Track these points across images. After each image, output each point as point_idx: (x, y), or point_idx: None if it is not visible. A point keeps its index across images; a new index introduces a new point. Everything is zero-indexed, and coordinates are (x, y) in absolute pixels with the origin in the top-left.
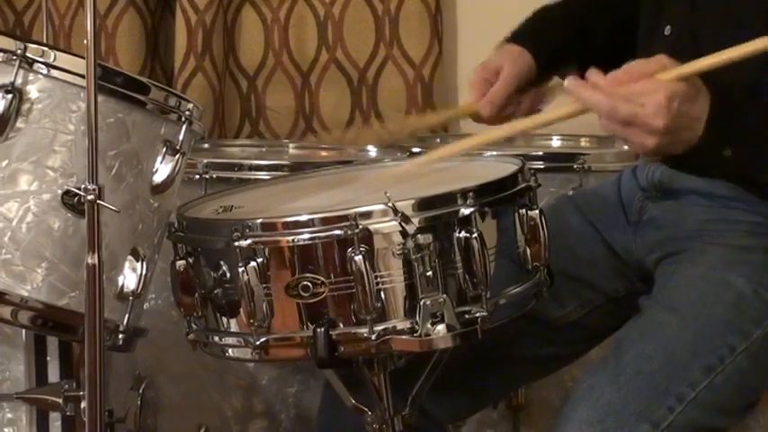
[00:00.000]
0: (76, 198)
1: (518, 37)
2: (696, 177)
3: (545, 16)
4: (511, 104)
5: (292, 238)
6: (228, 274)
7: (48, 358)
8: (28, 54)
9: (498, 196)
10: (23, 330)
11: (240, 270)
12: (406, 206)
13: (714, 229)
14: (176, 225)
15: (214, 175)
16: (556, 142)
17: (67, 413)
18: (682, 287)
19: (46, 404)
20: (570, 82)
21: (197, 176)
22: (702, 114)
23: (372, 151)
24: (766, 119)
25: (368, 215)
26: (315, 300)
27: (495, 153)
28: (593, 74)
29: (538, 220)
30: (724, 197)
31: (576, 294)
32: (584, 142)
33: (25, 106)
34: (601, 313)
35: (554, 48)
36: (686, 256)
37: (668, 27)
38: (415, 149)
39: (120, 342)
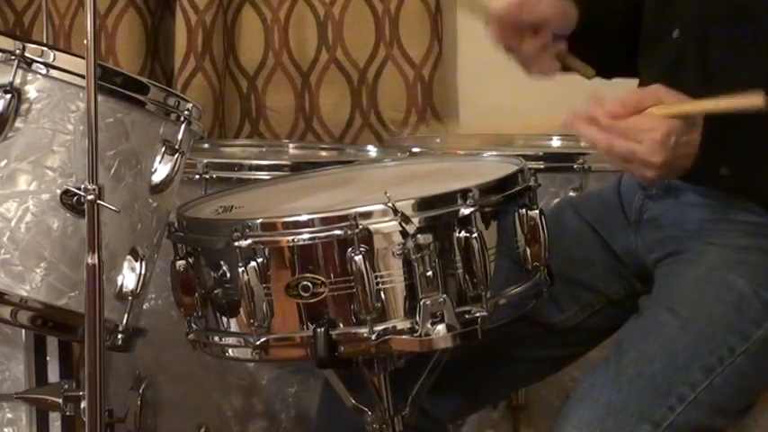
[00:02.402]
0: (75, 198)
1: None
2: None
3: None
4: (527, 36)
5: (292, 238)
6: (228, 274)
7: (48, 358)
8: (27, 54)
9: (498, 196)
10: (23, 330)
11: (240, 270)
12: (406, 206)
13: (715, 229)
14: (176, 225)
15: (214, 175)
16: (556, 142)
17: (67, 413)
18: (682, 288)
19: (46, 404)
20: (569, 118)
21: (197, 176)
22: (697, 139)
23: (372, 151)
24: (761, 136)
25: (368, 215)
26: (315, 300)
27: (495, 153)
28: (592, 107)
29: (538, 220)
30: (725, 195)
31: (575, 298)
32: (584, 142)
33: (24, 106)
34: (600, 316)
35: (600, 18)
36: (687, 256)
37: (676, 30)
38: (416, 149)
39: (120, 342)
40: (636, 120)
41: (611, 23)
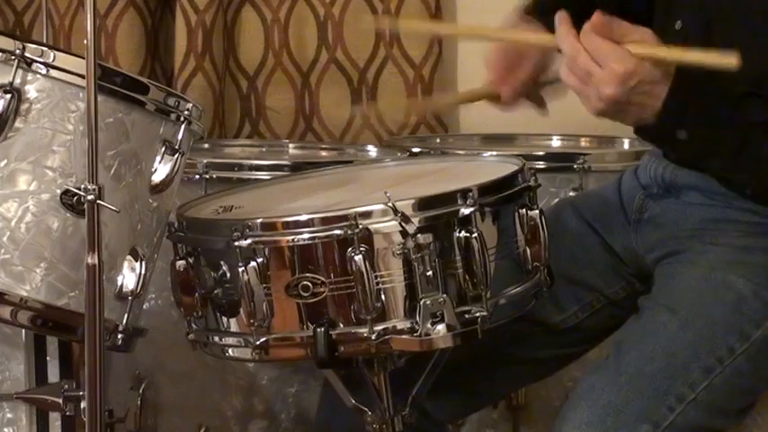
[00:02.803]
0: (75, 198)
1: (536, 9)
2: (697, 174)
3: None
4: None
5: (292, 237)
6: (228, 274)
7: (48, 358)
8: (26, 54)
9: (498, 196)
10: (23, 330)
11: (240, 270)
12: (406, 206)
13: (715, 229)
14: (176, 225)
15: (214, 175)
16: (556, 142)
17: (67, 413)
18: (682, 287)
19: (46, 404)
20: (560, 15)
21: (197, 176)
22: (661, 95)
23: (372, 151)
24: (727, 108)
25: (368, 215)
26: (315, 300)
27: (495, 153)
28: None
29: (538, 220)
30: (726, 195)
31: (575, 298)
32: (584, 142)
33: (24, 106)
34: (600, 316)
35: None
36: (686, 255)
37: (679, 22)
38: (416, 149)
39: (120, 342)
40: (609, 46)
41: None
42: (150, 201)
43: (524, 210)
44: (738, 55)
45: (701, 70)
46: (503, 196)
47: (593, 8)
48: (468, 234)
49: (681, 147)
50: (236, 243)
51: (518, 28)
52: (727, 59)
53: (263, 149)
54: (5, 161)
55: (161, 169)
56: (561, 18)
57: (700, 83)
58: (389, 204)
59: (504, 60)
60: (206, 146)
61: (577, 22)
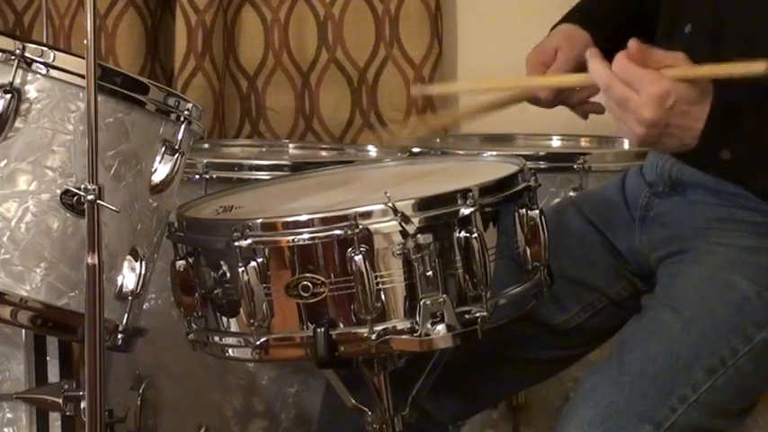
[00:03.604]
0: (75, 198)
1: (574, 17)
2: (703, 173)
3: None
4: (567, 90)
5: (292, 238)
6: (228, 274)
7: (48, 358)
8: (26, 54)
9: (498, 196)
10: (23, 330)
11: (240, 270)
12: (406, 206)
13: (720, 229)
14: (176, 225)
15: (214, 175)
16: (556, 142)
17: (67, 413)
18: (686, 287)
19: (46, 404)
20: (590, 50)
21: (197, 176)
22: (702, 116)
23: (372, 151)
24: (764, 121)
25: (368, 215)
26: (315, 300)
27: (495, 153)
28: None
29: (538, 220)
30: (732, 194)
31: (577, 298)
32: (584, 142)
33: (24, 106)
34: (602, 316)
35: (612, 30)
36: (691, 255)
37: (689, 26)
38: (416, 149)
39: (120, 342)
40: (642, 71)
41: (619, 25)
42: (150, 201)
43: (524, 210)
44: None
45: (738, 85)
46: (503, 196)
47: (636, 14)
48: (468, 234)
49: (725, 167)
50: (236, 243)
51: (555, 73)
52: (755, 66)
53: (263, 149)
54: (5, 161)
55: (161, 169)
56: (591, 54)
57: (739, 100)
58: (389, 204)
59: (542, 56)
60: (206, 146)
61: (613, 39)
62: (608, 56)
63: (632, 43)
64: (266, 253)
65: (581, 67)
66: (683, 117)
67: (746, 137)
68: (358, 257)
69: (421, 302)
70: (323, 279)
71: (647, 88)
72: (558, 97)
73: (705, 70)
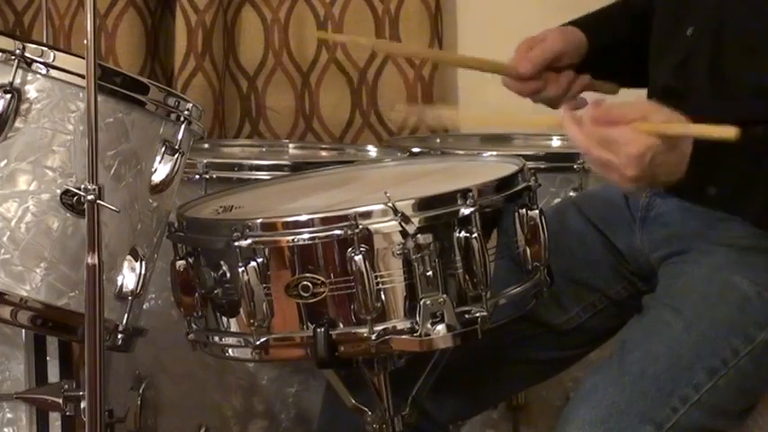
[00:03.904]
0: (75, 198)
1: (576, 21)
2: None
3: (610, 9)
4: (551, 80)
5: (292, 238)
6: (228, 274)
7: (48, 358)
8: (27, 54)
9: (498, 196)
10: (23, 330)
11: (240, 270)
12: (406, 206)
13: (721, 229)
14: (176, 225)
15: (214, 175)
16: (556, 142)
17: (67, 413)
18: (686, 288)
19: (46, 404)
20: (564, 110)
21: (197, 176)
22: (684, 158)
23: (372, 151)
24: (747, 156)
25: (368, 215)
26: (315, 300)
27: (495, 153)
28: (589, 109)
29: (538, 220)
30: None
31: (577, 298)
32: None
33: (24, 106)
34: (603, 316)
35: (610, 37)
36: (692, 255)
37: (691, 28)
38: (416, 149)
39: (120, 342)
40: (616, 131)
41: (619, 39)
42: (150, 201)
43: (524, 210)
44: (737, 129)
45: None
46: (503, 196)
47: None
48: (468, 234)
49: (712, 201)
50: (236, 243)
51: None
52: (726, 132)
53: (263, 149)
54: (5, 161)
55: (161, 169)
56: (565, 114)
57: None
58: (389, 204)
59: (527, 42)
60: (206, 146)
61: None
62: (602, 66)
63: (591, 108)
64: (266, 253)
65: (569, 58)
66: (666, 165)
67: (730, 173)
68: (358, 257)
69: (421, 302)
70: (323, 279)
71: (624, 149)
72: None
73: (677, 128)
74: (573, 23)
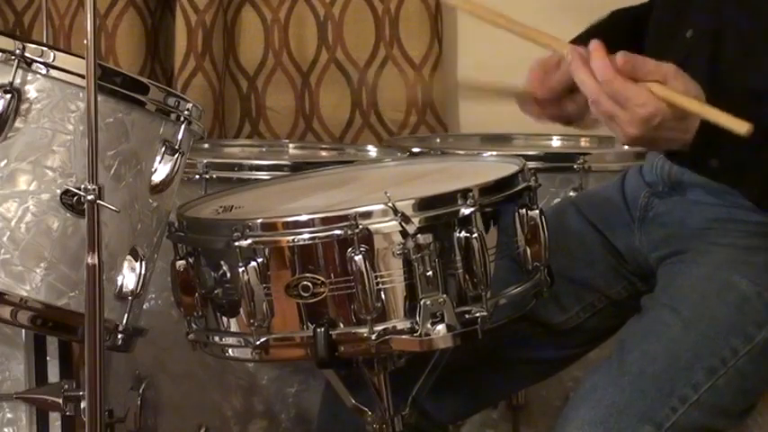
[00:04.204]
0: (75, 198)
1: (584, 38)
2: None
3: (614, 20)
4: (566, 99)
5: (292, 238)
6: (228, 274)
7: (48, 358)
8: (26, 54)
9: (498, 196)
10: (23, 330)
11: (240, 270)
12: (406, 206)
13: (720, 229)
14: (176, 225)
15: (214, 175)
16: (556, 142)
17: (67, 413)
18: (685, 287)
19: (46, 404)
20: (571, 54)
21: (197, 176)
22: (689, 131)
23: (372, 151)
24: (757, 136)
25: (368, 215)
26: (315, 300)
27: (495, 153)
28: (596, 53)
29: (538, 220)
30: (732, 195)
31: (577, 298)
32: (584, 142)
33: (24, 106)
34: (602, 316)
35: (618, 49)
36: (690, 255)
37: (690, 30)
38: (416, 149)
39: (120, 342)
40: (630, 88)
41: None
42: (150, 201)
43: (524, 210)
44: (750, 125)
45: (732, 103)
46: (503, 196)
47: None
48: (468, 234)
49: (713, 174)
50: (236, 243)
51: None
52: (739, 125)
53: (263, 149)
54: (5, 161)
55: (161, 169)
56: (575, 55)
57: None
58: (389, 204)
59: (541, 66)
60: (206, 146)
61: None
62: None
63: (620, 56)
64: (266, 253)
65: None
66: (671, 131)
67: (733, 149)
68: (358, 257)
69: (421, 302)
70: (323, 279)
71: (633, 108)
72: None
73: (693, 106)
74: (579, 40)
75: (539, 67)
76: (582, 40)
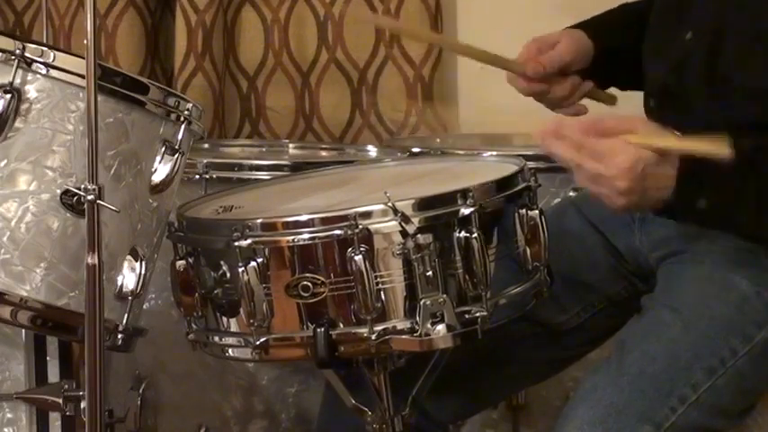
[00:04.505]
0: (75, 198)
1: (581, 25)
2: None
3: (614, 13)
4: (556, 82)
5: (292, 238)
6: (228, 274)
7: (48, 358)
8: (27, 54)
9: (498, 196)
10: (23, 330)
11: (240, 270)
12: (406, 206)
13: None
14: (176, 225)
15: (214, 175)
16: None
17: (67, 413)
18: (685, 287)
19: (46, 404)
20: (539, 133)
21: (197, 176)
22: (672, 173)
23: (372, 151)
24: (740, 168)
25: (368, 215)
26: (315, 300)
27: (495, 153)
28: (561, 124)
29: (538, 220)
30: None
31: (577, 298)
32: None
33: (24, 106)
34: (602, 316)
35: (616, 42)
36: (690, 255)
37: (690, 33)
38: (416, 149)
39: (120, 342)
40: (606, 143)
41: (625, 44)
42: (150, 201)
43: (524, 210)
44: (730, 144)
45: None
46: (503, 196)
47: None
48: (468, 234)
49: (702, 216)
50: (236, 243)
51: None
52: (719, 148)
53: (263, 149)
54: (5, 161)
55: (161, 169)
56: (542, 136)
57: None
58: (389, 204)
59: (537, 43)
60: (206, 146)
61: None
62: (606, 70)
63: (581, 122)
64: (266, 253)
65: (576, 64)
66: (655, 178)
67: (720, 183)
68: (358, 257)
69: (421, 302)
70: (323, 279)
71: (616, 160)
72: (542, 85)
73: (670, 142)
74: (580, 26)
75: (534, 43)
76: (585, 26)
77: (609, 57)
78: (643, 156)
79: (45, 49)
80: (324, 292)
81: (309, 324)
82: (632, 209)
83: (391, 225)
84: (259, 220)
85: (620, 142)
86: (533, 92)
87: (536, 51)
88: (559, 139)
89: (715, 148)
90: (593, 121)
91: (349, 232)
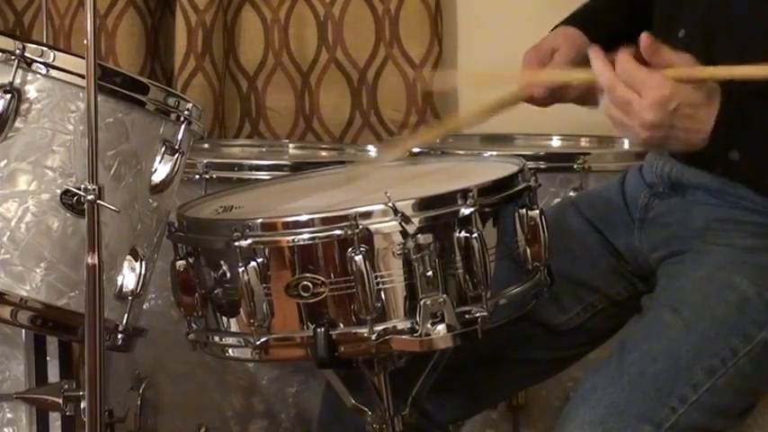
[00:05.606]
0: (75, 198)
1: (574, 20)
2: (706, 173)
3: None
4: (562, 87)
5: (292, 238)
6: (228, 274)
7: (48, 358)
8: (27, 54)
9: (498, 196)
10: (23, 330)
11: (240, 270)
12: (406, 206)
13: (720, 229)
14: (176, 225)
15: (214, 175)
16: (556, 142)
17: (67, 413)
18: (686, 288)
19: (46, 404)
20: (593, 50)
21: (197, 176)
22: (709, 119)
23: (372, 151)
24: None
25: (368, 215)
26: (315, 300)
27: (495, 153)
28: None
29: (538, 220)
30: (732, 195)
31: (577, 298)
32: (584, 142)
33: (24, 106)
34: (602, 316)
35: (610, 33)
36: (691, 255)
37: (682, 30)
38: (416, 149)
39: (120, 342)
40: (645, 73)
41: (617, 32)
42: (150, 201)
43: (524, 210)
44: None
45: (747, 87)
46: (503, 196)
47: (636, 17)
48: (468, 234)
49: (734, 168)
50: (236, 243)
51: (561, 68)
52: (761, 71)
53: (263, 149)
54: (5, 161)
55: (161, 169)
56: (595, 53)
57: (746, 100)
58: (389, 204)
59: (539, 54)
60: (206, 146)
61: (611, 44)
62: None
63: (644, 37)
64: (266, 253)
65: (578, 67)
66: (688, 120)
67: (756, 137)
68: (358, 257)
69: (421, 302)
70: (323, 279)
71: (648, 91)
72: (553, 95)
73: (711, 71)
74: (570, 22)
75: (533, 55)
76: (575, 19)
77: (605, 45)
78: (680, 93)
79: (45, 49)
80: (324, 292)
81: (309, 324)
82: (653, 145)
83: (391, 225)
84: (259, 220)
85: (659, 75)
86: (546, 104)
87: (536, 63)
88: (605, 60)
89: (763, 71)
90: (649, 44)
91: (349, 232)
